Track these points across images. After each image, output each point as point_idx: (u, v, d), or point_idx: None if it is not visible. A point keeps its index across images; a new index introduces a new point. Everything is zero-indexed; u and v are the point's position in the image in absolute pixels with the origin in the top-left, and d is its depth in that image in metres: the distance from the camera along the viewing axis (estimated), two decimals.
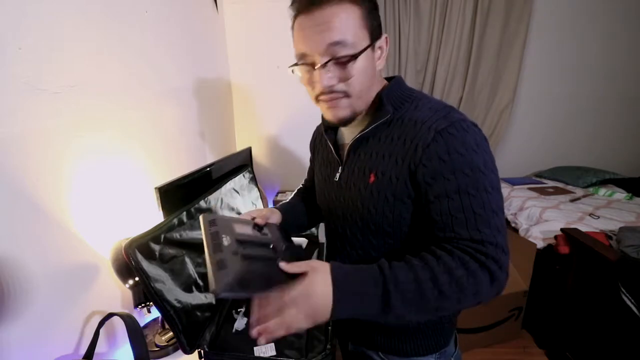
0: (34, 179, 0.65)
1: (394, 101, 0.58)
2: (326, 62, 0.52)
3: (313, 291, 0.42)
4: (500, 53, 2.49)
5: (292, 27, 0.57)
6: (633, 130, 2.67)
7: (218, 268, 0.40)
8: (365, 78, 0.56)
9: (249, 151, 1.60)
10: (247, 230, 0.57)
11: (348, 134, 0.66)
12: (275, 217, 0.73)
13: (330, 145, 0.68)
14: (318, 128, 0.83)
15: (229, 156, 1.39)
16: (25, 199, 0.64)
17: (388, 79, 0.65)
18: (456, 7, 2.38)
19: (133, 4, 0.98)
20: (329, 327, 0.87)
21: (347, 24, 0.51)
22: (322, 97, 0.57)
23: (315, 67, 0.53)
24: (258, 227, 0.62)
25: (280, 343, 0.80)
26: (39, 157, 0.66)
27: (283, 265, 0.45)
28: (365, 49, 0.53)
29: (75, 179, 0.75)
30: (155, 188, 0.90)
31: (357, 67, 0.53)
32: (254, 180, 1.48)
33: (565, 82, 2.58)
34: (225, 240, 0.47)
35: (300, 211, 0.83)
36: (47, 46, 0.68)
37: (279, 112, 1.89)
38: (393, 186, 0.54)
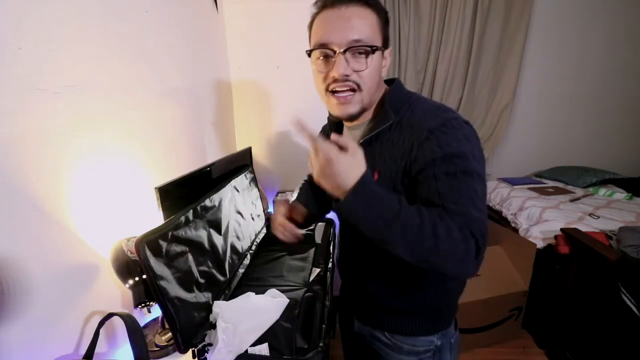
0: (34, 179, 0.65)
1: (394, 106, 0.63)
2: (346, 49, 0.57)
3: (352, 162, 0.51)
4: (500, 53, 2.49)
5: (311, 23, 0.63)
6: (633, 130, 2.67)
7: None
8: (376, 75, 0.61)
9: (249, 151, 1.60)
10: None
11: (351, 135, 0.70)
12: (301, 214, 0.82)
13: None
14: (324, 128, 0.87)
15: (229, 156, 1.39)
16: (25, 199, 0.64)
17: (388, 81, 0.70)
18: (456, 7, 2.38)
19: (133, 4, 0.98)
20: (323, 326, 0.87)
21: (367, 25, 0.57)
22: (333, 86, 0.60)
23: (337, 51, 0.57)
24: None
25: (274, 341, 0.80)
26: (39, 157, 0.66)
27: (335, 136, 0.54)
28: (379, 48, 0.59)
29: (75, 179, 0.75)
30: (155, 188, 0.90)
31: (371, 63, 0.58)
32: (254, 180, 1.48)
33: (565, 82, 2.58)
34: None
35: (314, 200, 0.86)
36: (47, 46, 0.68)
37: (279, 112, 1.89)
38: (393, 181, 0.60)
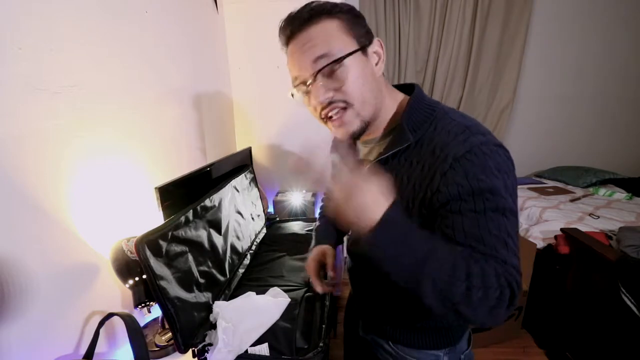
0: (34, 179, 0.65)
1: (413, 124, 0.55)
2: (315, 76, 0.53)
3: (376, 191, 0.44)
4: (500, 53, 2.50)
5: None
6: (633, 130, 2.67)
7: None
8: (363, 82, 0.54)
9: (249, 151, 1.60)
10: None
11: (365, 150, 0.65)
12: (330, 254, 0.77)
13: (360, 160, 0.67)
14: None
15: (229, 156, 1.39)
16: (25, 199, 0.64)
17: (403, 87, 0.63)
18: (456, 7, 2.38)
19: (133, 4, 0.98)
20: (323, 326, 0.87)
21: (328, 37, 0.52)
22: (324, 113, 0.56)
23: (308, 84, 0.54)
24: None
25: (274, 341, 0.80)
26: (39, 157, 0.66)
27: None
28: (351, 53, 0.52)
29: (75, 179, 0.75)
30: (155, 188, 0.90)
31: (348, 73, 0.52)
32: (254, 180, 1.48)
33: (565, 82, 2.58)
34: None
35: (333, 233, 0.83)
36: (47, 46, 0.68)
37: (279, 112, 1.89)
38: (409, 210, 0.53)
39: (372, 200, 0.44)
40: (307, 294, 1.03)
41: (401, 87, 0.63)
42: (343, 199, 0.44)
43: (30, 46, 0.64)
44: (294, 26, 0.53)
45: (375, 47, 0.56)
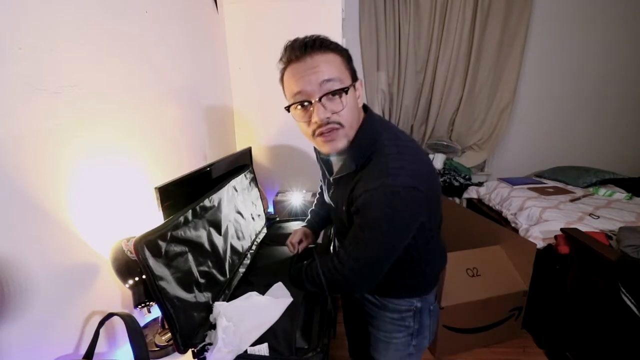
0: (33, 179, 0.65)
1: (360, 155, 0.70)
2: (321, 97, 0.64)
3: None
4: (500, 53, 2.50)
5: (282, 78, 0.72)
6: (633, 130, 2.67)
7: None
8: (353, 111, 0.69)
9: (249, 151, 1.60)
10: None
11: (335, 163, 0.82)
12: (309, 239, 1.13)
13: (326, 171, 0.87)
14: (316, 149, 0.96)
15: (229, 156, 1.39)
16: (25, 199, 0.64)
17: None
18: (456, 7, 2.38)
19: (133, 4, 0.98)
20: (323, 326, 0.87)
21: (333, 67, 0.65)
22: (319, 130, 0.67)
23: (313, 101, 0.65)
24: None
25: (273, 341, 0.80)
26: (38, 157, 0.66)
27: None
28: (350, 85, 0.67)
29: (75, 179, 0.75)
30: (155, 188, 0.90)
31: (347, 101, 0.66)
32: (254, 180, 1.48)
33: (565, 82, 2.58)
34: None
35: (323, 217, 1.16)
36: (47, 46, 0.68)
37: (279, 112, 1.87)
38: (349, 212, 0.73)
39: None
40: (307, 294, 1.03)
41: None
42: None
43: (30, 46, 0.64)
44: (305, 50, 0.64)
45: (358, 84, 0.71)
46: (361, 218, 0.68)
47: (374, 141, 0.70)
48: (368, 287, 0.75)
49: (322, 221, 1.16)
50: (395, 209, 0.64)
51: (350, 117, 0.68)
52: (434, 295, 0.92)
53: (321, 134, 0.68)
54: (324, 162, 0.87)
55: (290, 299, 0.92)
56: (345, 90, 0.65)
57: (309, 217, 1.19)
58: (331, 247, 1.21)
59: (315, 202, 1.20)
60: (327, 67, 0.64)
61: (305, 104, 0.67)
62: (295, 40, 0.66)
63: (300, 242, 1.11)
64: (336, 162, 0.81)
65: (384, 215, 0.64)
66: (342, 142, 0.69)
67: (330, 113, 0.65)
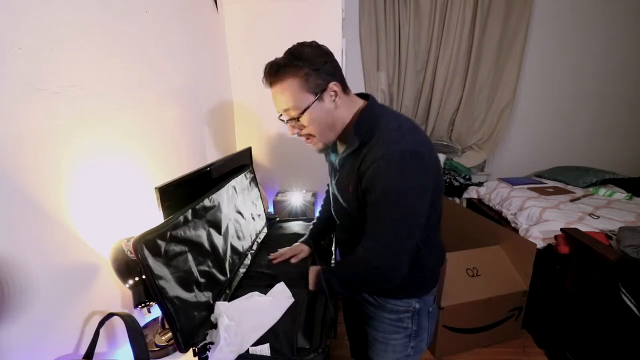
0: (33, 179, 0.65)
1: (362, 132, 0.74)
2: (287, 120, 0.79)
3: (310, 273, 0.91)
4: (501, 53, 2.50)
5: None
6: (633, 130, 2.67)
7: None
8: (320, 123, 0.76)
9: (249, 151, 1.60)
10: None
11: (340, 149, 0.85)
12: (305, 252, 1.12)
13: (332, 156, 0.88)
14: None
15: (229, 156, 1.39)
16: (25, 199, 0.64)
17: (363, 94, 0.82)
18: (456, 7, 2.38)
19: (133, 4, 0.98)
20: (325, 328, 0.87)
21: (287, 96, 0.74)
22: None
23: (285, 122, 0.80)
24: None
25: (275, 342, 0.80)
26: (39, 157, 0.66)
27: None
28: (308, 107, 0.73)
29: (75, 179, 0.75)
30: (155, 188, 0.90)
31: (308, 120, 0.75)
32: (254, 180, 1.48)
33: (565, 82, 2.58)
34: None
35: (323, 229, 1.17)
36: (47, 46, 0.68)
37: None
38: (358, 193, 0.75)
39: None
40: (308, 294, 1.03)
41: (363, 95, 0.82)
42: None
43: (30, 46, 0.64)
44: (268, 80, 0.76)
45: (331, 89, 0.74)
46: (374, 193, 0.69)
47: (376, 118, 0.75)
48: (404, 271, 0.72)
49: (325, 226, 1.16)
50: (406, 174, 0.66)
51: (319, 128, 0.76)
52: (433, 297, 0.91)
53: (305, 138, 0.81)
54: (331, 152, 0.89)
55: (292, 300, 0.92)
56: (298, 117, 0.74)
57: (310, 226, 1.20)
58: (332, 248, 1.20)
59: (320, 209, 1.21)
60: (282, 98, 0.75)
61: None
62: (265, 68, 0.75)
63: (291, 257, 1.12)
64: (340, 147, 0.84)
65: (396, 182, 0.66)
66: (317, 146, 0.80)
67: (297, 130, 0.79)
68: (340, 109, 0.77)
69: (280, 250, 1.13)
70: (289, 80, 0.72)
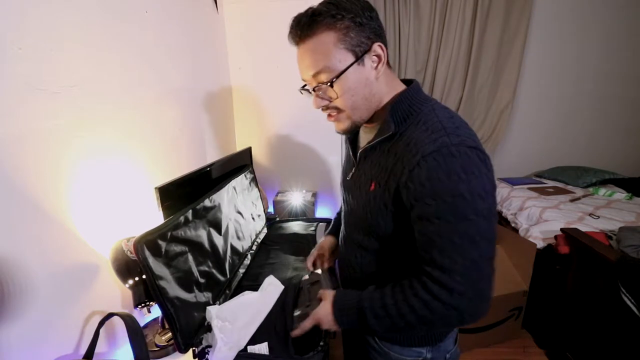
0: (34, 179, 0.65)
1: (399, 116, 0.59)
2: (314, 88, 0.61)
3: (321, 312, 0.65)
4: (501, 53, 2.49)
5: None
6: (633, 130, 2.67)
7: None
8: (356, 93, 0.59)
9: (249, 151, 1.60)
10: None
11: (364, 138, 0.71)
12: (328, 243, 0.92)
13: (349, 146, 0.75)
14: None
15: (229, 156, 1.39)
16: (25, 199, 0.64)
17: (407, 81, 0.66)
18: (456, 7, 2.38)
19: (133, 4, 0.98)
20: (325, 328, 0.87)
21: (321, 54, 0.56)
22: (323, 113, 0.65)
23: (311, 92, 0.63)
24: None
25: (274, 341, 0.80)
26: (39, 157, 0.66)
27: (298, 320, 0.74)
28: (346, 70, 0.56)
29: (75, 179, 0.75)
30: (156, 188, 0.90)
31: (341, 88, 0.58)
32: (254, 180, 1.48)
33: (565, 82, 2.58)
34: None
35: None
36: (47, 46, 0.68)
37: (279, 112, 1.89)
38: (386, 197, 0.58)
39: (323, 316, 0.65)
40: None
41: (407, 82, 0.66)
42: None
43: (30, 46, 0.64)
44: (297, 35, 0.58)
45: (374, 52, 0.58)
46: (431, 201, 0.50)
47: (419, 104, 0.60)
48: (487, 305, 0.54)
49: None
50: (471, 172, 0.49)
51: (350, 101, 0.60)
52: (454, 338, 0.71)
53: (329, 115, 0.64)
54: (351, 141, 0.76)
55: (282, 287, 0.92)
56: (332, 82, 0.57)
57: (331, 225, 0.98)
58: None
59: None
60: (313, 58, 0.57)
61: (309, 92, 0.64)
62: (292, 22, 0.59)
63: (321, 256, 0.92)
64: (364, 135, 0.70)
65: (462, 183, 0.49)
66: (344, 124, 0.64)
67: (325, 102, 0.62)
68: (380, 83, 0.61)
69: (310, 256, 0.94)
70: (325, 33, 0.55)
